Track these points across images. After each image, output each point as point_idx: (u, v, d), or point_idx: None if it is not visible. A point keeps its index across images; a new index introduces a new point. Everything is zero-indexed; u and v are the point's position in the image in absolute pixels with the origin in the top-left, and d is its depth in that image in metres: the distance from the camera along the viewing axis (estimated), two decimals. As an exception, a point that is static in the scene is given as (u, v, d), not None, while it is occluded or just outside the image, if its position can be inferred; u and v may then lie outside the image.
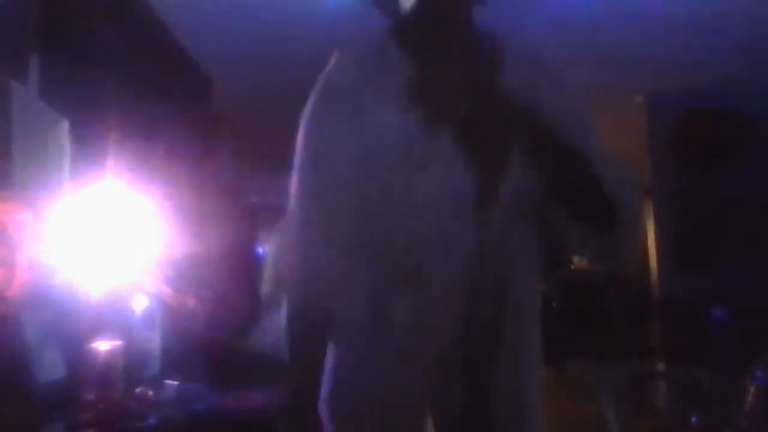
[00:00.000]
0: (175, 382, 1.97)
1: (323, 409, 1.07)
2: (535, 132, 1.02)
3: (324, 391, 1.08)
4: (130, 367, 1.85)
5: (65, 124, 1.98)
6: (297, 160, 1.10)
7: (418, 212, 1.05)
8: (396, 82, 1.07)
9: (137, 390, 1.89)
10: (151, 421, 1.72)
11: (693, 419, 2.11)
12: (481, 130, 1.04)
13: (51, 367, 1.72)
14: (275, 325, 1.11)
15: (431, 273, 1.05)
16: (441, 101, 1.07)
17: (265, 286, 1.11)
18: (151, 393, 1.90)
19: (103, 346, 1.77)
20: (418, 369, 1.06)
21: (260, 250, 4.52)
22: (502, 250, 1.07)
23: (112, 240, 2.05)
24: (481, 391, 1.07)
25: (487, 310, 1.07)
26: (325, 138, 1.08)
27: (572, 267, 7.81)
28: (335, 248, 1.05)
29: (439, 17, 1.11)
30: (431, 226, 1.05)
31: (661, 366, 4.85)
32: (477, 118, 1.04)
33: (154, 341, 2.15)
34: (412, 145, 1.05)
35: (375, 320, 1.06)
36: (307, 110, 1.11)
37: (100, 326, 1.86)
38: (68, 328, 1.81)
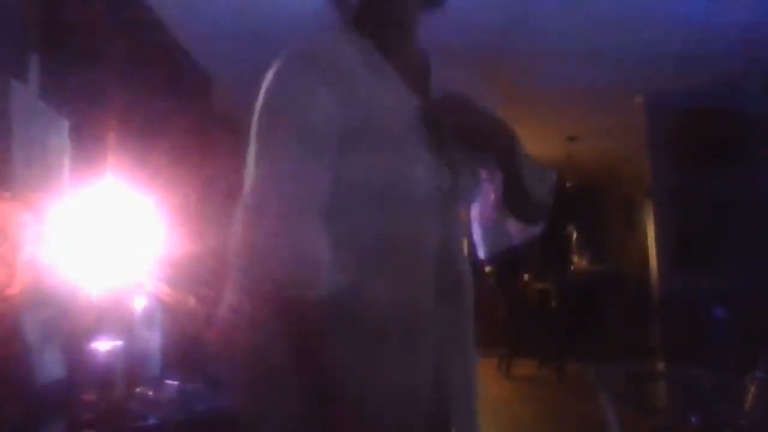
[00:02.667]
0: (175, 382, 1.97)
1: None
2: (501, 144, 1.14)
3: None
4: (130, 367, 1.85)
5: (65, 124, 1.98)
6: (274, 130, 1.04)
7: (397, 193, 1.05)
8: (370, 66, 1.10)
9: (137, 390, 1.89)
10: (151, 421, 1.72)
11: (693, 419, 2.11)
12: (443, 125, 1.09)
13: (51, 367, 1.72)
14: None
15: (403, 255, 1.06)
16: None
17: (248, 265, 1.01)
18: (151, 393, 1.90)
19: (103, 346, 1.77)
20: (393, 354, 1.04)
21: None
22: (457, 233, 1.15)
23: (112, 240, 2.05)
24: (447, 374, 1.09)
25: (451, 293, 1.11)
26: (311, 108, 1.03)
27: (572, 267, 7.82)
28: (319, 226, 0.99)
29: (384, 20, 1.14)
30: (407, 208, 1.06)
31: (661, 366, 4.86)
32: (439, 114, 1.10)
33: (154, 341, 2.15)
34: (401, 123, 1.07)
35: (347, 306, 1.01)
36: (285, 79, 1.05)
37: (100, 326, 1.86)
38: (68, 328, 1.81)
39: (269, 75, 1.07)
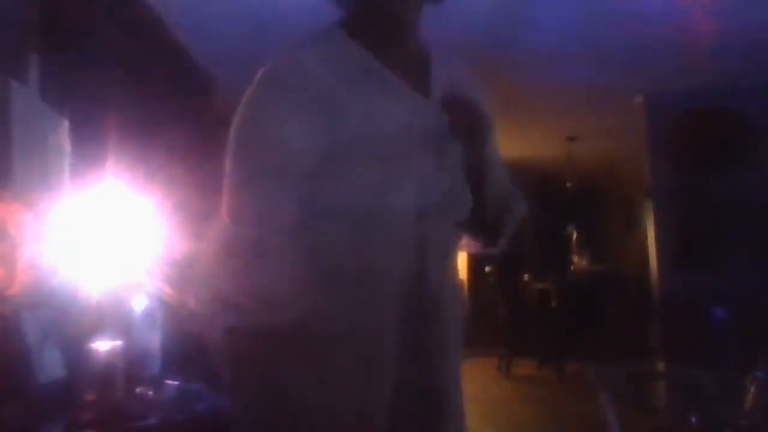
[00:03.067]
0: (175, 382, 1.97)
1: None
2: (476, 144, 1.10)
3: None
4: (130, 367, 1.85)
5: (65, 124, 1.98)
6: (250, 156, 1.05)
7: (372, 214, 1.04)
8: (362, 75, 1.08)
9: (137, 390, 1.89)
10: (151, 421, 1.72)
11: (693, 419, 2.11)
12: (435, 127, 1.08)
13: (51, 367, 1.72)
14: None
15: (370, 277, 1.05)
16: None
17: (205, 293, 1.08)
18: (151, 393, 1.90)
19: (103, 346, 1.77)
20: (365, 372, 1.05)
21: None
22: (443, 247, 1.13)
23: (112, 240, 2.04)
24: (427, 381, 1.09)
25: (430, 308, 1.10)
26: (282, 138, 1.03)
27: (572, 267, 7.82)
28: (285, 259, 1.01)
29: (385, 15, 1.11)
30: (380, 229, 1.05)
31: (661, 366, 4.86)
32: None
33: (154, 341, 2.15)
34: (397, 132, 1.05)
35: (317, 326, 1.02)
36: (262, 102, 1.06)
37: (100, 326, 1.86)
38: (68, 328, 1.81)
39: (246, 97, 1.06)
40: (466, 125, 1.08)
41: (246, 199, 1.04)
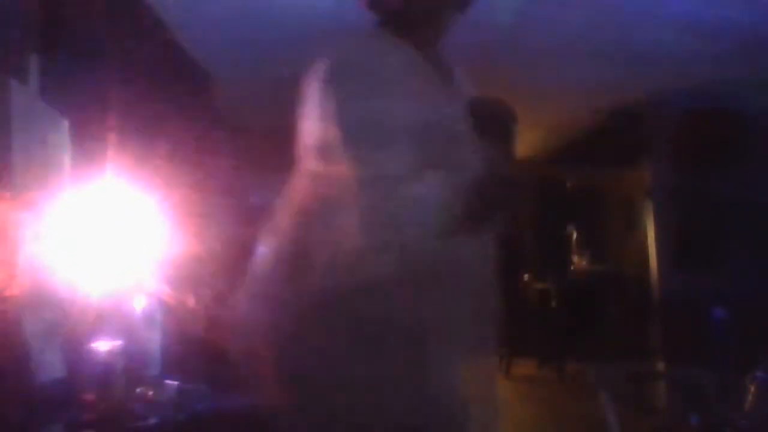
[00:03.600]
0: (175, 382, 1.97)
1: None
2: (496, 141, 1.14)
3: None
4: (130, 367, 1.85)
5: (65, 124, 1.98)
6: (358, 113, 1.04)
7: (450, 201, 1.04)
8: (413, 69, 1.11)
9: (137, 390, 1.89)
10: (151, 421, 1.72)
11: (693, 419, 2.12)
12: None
13: (51, 367, 1.72)
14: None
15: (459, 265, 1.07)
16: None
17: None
18: (151, 393, 1.90)
19: (103, 346, 1.77)
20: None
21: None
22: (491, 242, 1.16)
23: (112, 240, 2.04)
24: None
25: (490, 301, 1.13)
26: (386, 104, 1.04)
27: (572, 267, 7.81)
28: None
29: (424, 23, 1.16)
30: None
31: (661, 366, 4.86)
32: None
33: (154, 341, 2.15)
34: (449, 126, 1.08)
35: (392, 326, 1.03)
36: (348, 82, 1.06)
37: (100, 326, 1.86)
38: (68, 328, 1.81)
39: (321, 83, 1.06)
40: (498, 125, 1.12)
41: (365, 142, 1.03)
